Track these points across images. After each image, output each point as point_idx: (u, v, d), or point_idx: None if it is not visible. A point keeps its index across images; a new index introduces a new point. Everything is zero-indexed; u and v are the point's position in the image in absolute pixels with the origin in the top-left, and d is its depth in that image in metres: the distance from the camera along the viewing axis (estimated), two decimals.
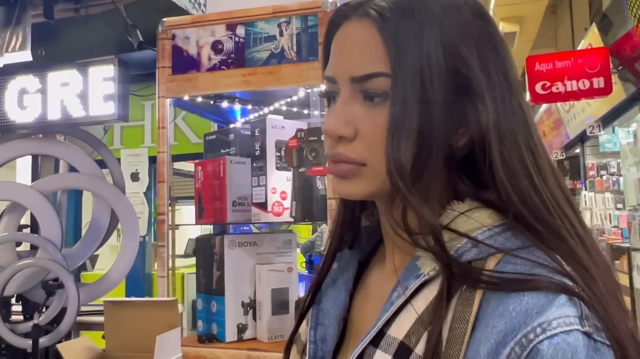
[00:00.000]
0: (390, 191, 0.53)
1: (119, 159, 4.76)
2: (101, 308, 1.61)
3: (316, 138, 1.54)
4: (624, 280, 5.25)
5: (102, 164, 2.29)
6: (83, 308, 2.13)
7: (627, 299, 5.08)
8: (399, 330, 0.51)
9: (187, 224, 1.85)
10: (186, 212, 3.81)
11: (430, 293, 0.51)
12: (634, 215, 5.58)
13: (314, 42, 1.58)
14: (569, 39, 8.55)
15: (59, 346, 1.18)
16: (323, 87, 0.59)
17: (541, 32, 8.95)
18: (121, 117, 1.98)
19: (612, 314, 0.46)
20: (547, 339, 0.44)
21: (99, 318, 2.09)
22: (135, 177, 4.55)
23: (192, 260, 5.78)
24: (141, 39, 2.14)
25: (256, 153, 1.76)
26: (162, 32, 1.71)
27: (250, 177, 1.77)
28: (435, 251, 0.51)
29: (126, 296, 4.00)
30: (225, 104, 1.84)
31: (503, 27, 7.20)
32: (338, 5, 1.61)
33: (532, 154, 0.53)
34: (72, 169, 2.27)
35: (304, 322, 0.67)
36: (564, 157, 9.22)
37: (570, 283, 0.47)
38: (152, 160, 4.69)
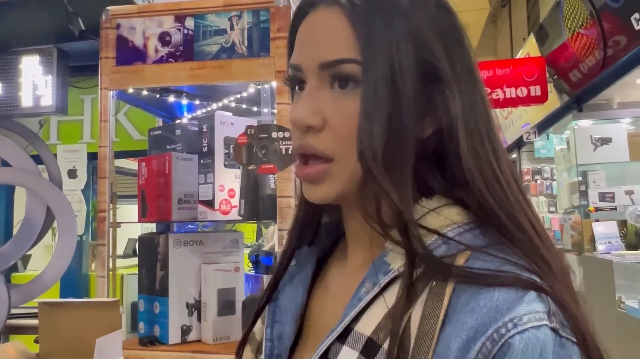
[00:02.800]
0: (360, 182, 0.52)
1: (55, 155, 4.54)
2: (34, 310, 1.52)
3: (266, 135, 1.51)
4: None
5: (37, 159, 2.17)
6: (14, 311, 2.01)
7: None
8: (366, 326, 0.50)
9: (129, 222, 1.78)
10: (126, 211, 3.69)
11: (395, 287, 0.51)
12: (565, 218, 5.84)
13: (265, 37, 1.55)
14: (508, 47, 8.88)
15: None
16: (288, 77, 0.58)
17: (482, 40, 9.25)
18: (59, 110, 1.89)
19: (576, 311, 0.47)
20: (518, 334, 0.44)
21: (32, 321, 1.98)
22: (72, 173, 4.36)
23: (132, 261, 5.62)
24: (83, 28, 2.04)
25: (203, 150, 1.71)
26: (106, 21, 1.64)
27: (197, 174, 1.72)
28: (407, 244, 0.50)
29: (61, 298, 3.82)
30: (172, 98, 1.78)
31: None
32: (290, 1, 1.59)
33: (492, 144, 0.53)
34: (4, 163, 2.14)
35: (259, 321, 0.65)
36: None
37: (538, 280, 0.47)
38: (91, 156, 4.51)
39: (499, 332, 0.44)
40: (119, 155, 3.68)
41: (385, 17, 0.51)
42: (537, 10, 7.48)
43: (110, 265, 1.59)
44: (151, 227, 3.16)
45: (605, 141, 5.03)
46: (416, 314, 0.48)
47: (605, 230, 4.79)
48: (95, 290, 1.61)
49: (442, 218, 0.52)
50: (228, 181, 1.71)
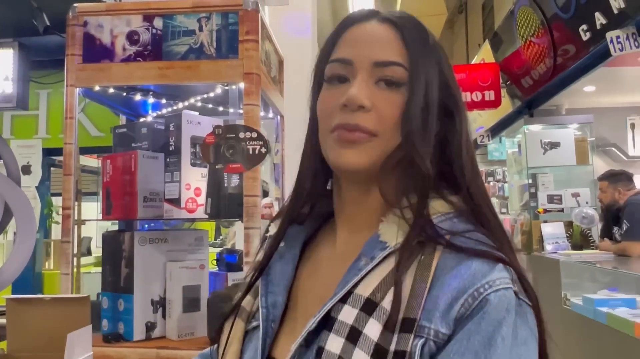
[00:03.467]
0: (386, 161, 0.67)
1: None
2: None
3: (234, 135, 1.54)
4: None
5: None
6: None
7: None
8: (365, 289, 0.62)
9: (94, 219, 1.77)
10: (83, 208, 3.63)
11: (392, 262, 0.62)
12: (515, 219, 6.07)
13: (233, 39, 1.58)
14: (464, 53, 9.13)
15: None
16: (333, 69, 0.69)
17: None
18: (20, 105, 1.86)
19: (529, 283, 0.63)
20: (493, 293, 0.59)
21: None
22: (26, 169, 4.24)
23: (88, 259, 5.49)
24: (48, 24, 2.01)
25: (170, 149, 1.73)
26: (73, 18, 1.63)
27: (163, 173, 1.73)
28: (421, 208, 0.65)
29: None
30: (138, 97, 1.79)
31: None
32: (258, 4, 1.63)
33: (472, 152, 0.71)
34: None
35: (248, 295, 0.75)
36: None
37: (504, 256, 0.62)
38: (47, 152, 4.40)
39: (478, 291, 0.59)
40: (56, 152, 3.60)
41: (425, 43, 0.69)
42: (492, 17, 7.72)
43: (75, 262, 1.59)
44: (107, 225, 3.12)
45: (554, 145, 5.26)
46: (408, 279, 0.61)
47: (552, 231, 5.01)
48: (59, 287, 1.60)
49: (430, 208, 0.66)
50: (194, 180, 1.73)
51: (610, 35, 3.62)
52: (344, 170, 0.67)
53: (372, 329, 0.59)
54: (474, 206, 0.67)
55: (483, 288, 0.59)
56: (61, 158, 1.69)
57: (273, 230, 0.77)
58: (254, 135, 1.52)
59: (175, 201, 1.71)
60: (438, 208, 0.67)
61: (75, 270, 1.58)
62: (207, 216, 1.69)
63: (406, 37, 0.68)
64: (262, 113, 1.90)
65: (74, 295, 1.39)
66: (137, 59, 1.61)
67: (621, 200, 4.35)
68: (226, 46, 1.59)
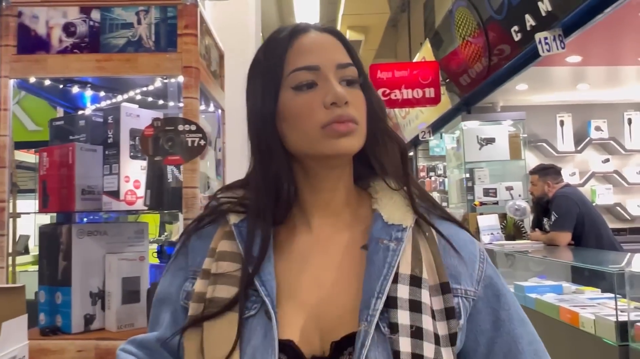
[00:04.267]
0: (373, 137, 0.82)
1: None
2: None
3: (173, 128, 1.57)
4: None
5: None
6: None
7: None
8: (405, 268, 0.75)
9: (30, 212, 1.75)
10: (21, 205, 3.52)
11: (408, 240, 0.77)
12: (455, 213, 6.30)
13: (172, 33, 1.60)
14: (407, 51, 9.34)
15: None
16: (301, 77, 0.79)
17: (383, 43, 9.64)
18: None
19: None
20: (487, 257, 0.84)
21: None
22: None
23: (26, 258, 5.30)
24: None
25: (109, 141, 1.73)
26: (7, 8, 1.61)
27: (102, 165, 1.73)
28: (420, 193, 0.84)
29: None
30: (75, 89, 1.78)
31: (350, 35, 7.66)
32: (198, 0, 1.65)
33: None
34: None
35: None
36: None
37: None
38: None
39: (481, 257, 0.83)
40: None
41: (354, 52, 0.83)
42: (433, 16, 7.95)
43: (10, 253, 1.57)
44: (45, 222, 3.04)
45: (490, 141, 5.50)
46: (426, 252, 0.78)
47: (488, 222, 5.24)
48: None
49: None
50: (133, 172, 1.74)
51: (538, 36, 3.82)
52: (343, 155, 0.78)
53: (425, 297, 0.73)
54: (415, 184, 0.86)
55: (482, 254, 0.83)
56: None
57: (236, 218, 0.81)
58: (193, 127, 1.55)
59: (114, 194, 1.71)
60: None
61: (10, 265, 1.56)
62: (146, 208, 1.71)
63: (346, 43, 0.83)
64: (202, 107, 1.93)
65: (8, 285, 1.38)
66: (74, 50, 1.61)
67: (550, 192, 4.59)
68: (165, 40, 1.61)
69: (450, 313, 0.74)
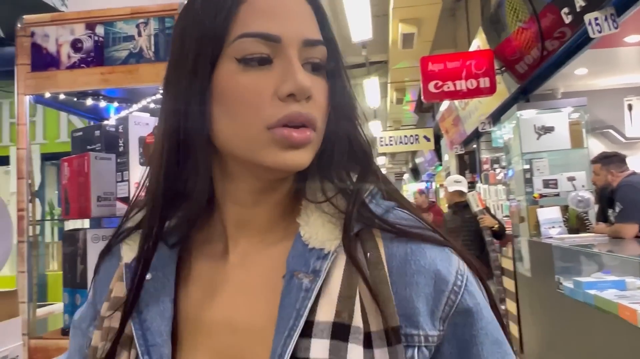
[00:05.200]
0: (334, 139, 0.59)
1: (7, 157, 4.57)
2: None
3: None
4: (508, 264, 5.70)
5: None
6: None
7: (512, 283, 5.52)
8: (326, 314, 0.52)
9: (48, 220, 1.87)
10: None
11: (338, 268, 0.54)
12: (511, 204, 6.06)
13: (171, 43, 1.66)
14: (466, 40, 9.08)
15: None
16: (252, 48, 0.55)
17: (441, 33, 9.42)
18: None
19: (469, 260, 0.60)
20: (469, 282, 0.56)
21: None
22: None
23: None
24: (2, 35, 2.12)
25: (120, 149, 1.81)
26: (21, 29, 1.73)
27: (115, 173, 1.82)
28: (360, 202, 0.57)
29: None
30: (89, 101, 1.88)
31: (402, 28, 7.55)
32: None
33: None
34: None
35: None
36: (464, 152, 9.77)
37: (444, 239, 0.58)
38: (45, 157, 4.57)
39: (456, 284, 0.55)
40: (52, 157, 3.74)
41: (328, 26, 0.59)
42: (489, 3, 7.68)
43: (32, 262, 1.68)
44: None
45: (548, 130, 5.23)
46: (361, 284, 0.53)
47: (549, 215, 5.00)
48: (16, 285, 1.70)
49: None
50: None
51: (588, 17, 3.61)
52: (287, 172, 0.57)
53: (356, 355, 0.50)
54: (384, 185, 0.61)
55: (459, 280, 0.55)
56: (58, 161, 1.77)
57: (129, 255, 0.63)
58: None
59: (126, 200, 1.79)
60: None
61: (32, 269, 1.67)
62: None
63: (319, 11, 0.58)
64: None
65: (2, 290, 1.49)
66: (81, 65, 1.70)
67: (614, 182, 4.34)
68: (164, 49, 1.67)
69: None
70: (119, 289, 0.62)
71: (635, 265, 3.47)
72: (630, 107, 5.88)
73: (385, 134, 11.51)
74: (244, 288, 0.59)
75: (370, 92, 9.92)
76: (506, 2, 5.15)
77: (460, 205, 5.07)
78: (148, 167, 0.63)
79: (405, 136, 11.28)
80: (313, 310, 0.52)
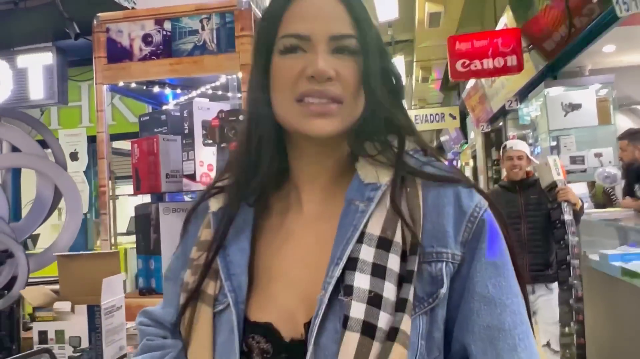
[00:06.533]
0: (354, 123, 0.73)
1: (57, 139, 4.84)
2: (42, 279, 1.86)
3: (235, 118, 1.82)
4: None
5: (42, 144, 2.47)
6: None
7: None
8: (374, 228, 0.68)
9: (126, 194, 2.10)
10: (126, 191, 4.01)
11: (386, 198, 0.70)
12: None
13: (231, 36, 1.85)
14: (492, 18, 9.04)
15: (22, 292, 1.43)
16: (288, 43, 0.72)
17: (467, 11, 9.38)
18: (61, 101, 2.19)
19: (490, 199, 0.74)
20: (485, 212, 0.71)
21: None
22: (74, 156, 4.68)
23: (132, 237, 5.91)
24: (78, 31, 2.34)
25: (185, 132, 2.02)
26: (97, 25, 1.94)
27: (181, 152, 2.03)
28: (400, 152, 0.73)
29: None
30: (156, 89, 2.09)
31: (429, 7, 7.59)
32: (250, 3, 1.89)
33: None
34: (14, 149, 2.44)
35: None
36: (490, 130, 9.78)
37: (470, 181, 0.74)
38: (91, 139, 4.83)
39: (473, 215, 0.70)
40: (116, 137, 3.98)
41: (367, 15, 0.74)
42: None
43: (113, 231, 1.92)
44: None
45: (575, 107, 5.31)
46: (403, 210, 0.69)
47: (576, 191, 5.09)
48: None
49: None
50: (206, 157, 2.02)
51: None
52: (315, 137, 0.70)
53: (393, 263, 0.66)
54: (423, 145, 0.76)
55: (475, 211, 0.70)
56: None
57: (215, 206, 0.77)
58: None
59: (192, 177, 2.01)
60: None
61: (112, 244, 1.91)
62: None
63: (354, 11, 0.72)
64: None
65: (106, 251, 1.72)
66: (152, 57, 1.90)
67: None
68: (225, 42, 1.86)
69: (410, 278, 0.65)
70: (206, 234, 0.78)
71: None
72: None
73: (410, 113, 11.58)
74: (313, 234, 0.74)
75: None
76: None
77: (525, 183, 3.67)
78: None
79: (431, 114, 11.30)
80: (365, 225, 0.68)
